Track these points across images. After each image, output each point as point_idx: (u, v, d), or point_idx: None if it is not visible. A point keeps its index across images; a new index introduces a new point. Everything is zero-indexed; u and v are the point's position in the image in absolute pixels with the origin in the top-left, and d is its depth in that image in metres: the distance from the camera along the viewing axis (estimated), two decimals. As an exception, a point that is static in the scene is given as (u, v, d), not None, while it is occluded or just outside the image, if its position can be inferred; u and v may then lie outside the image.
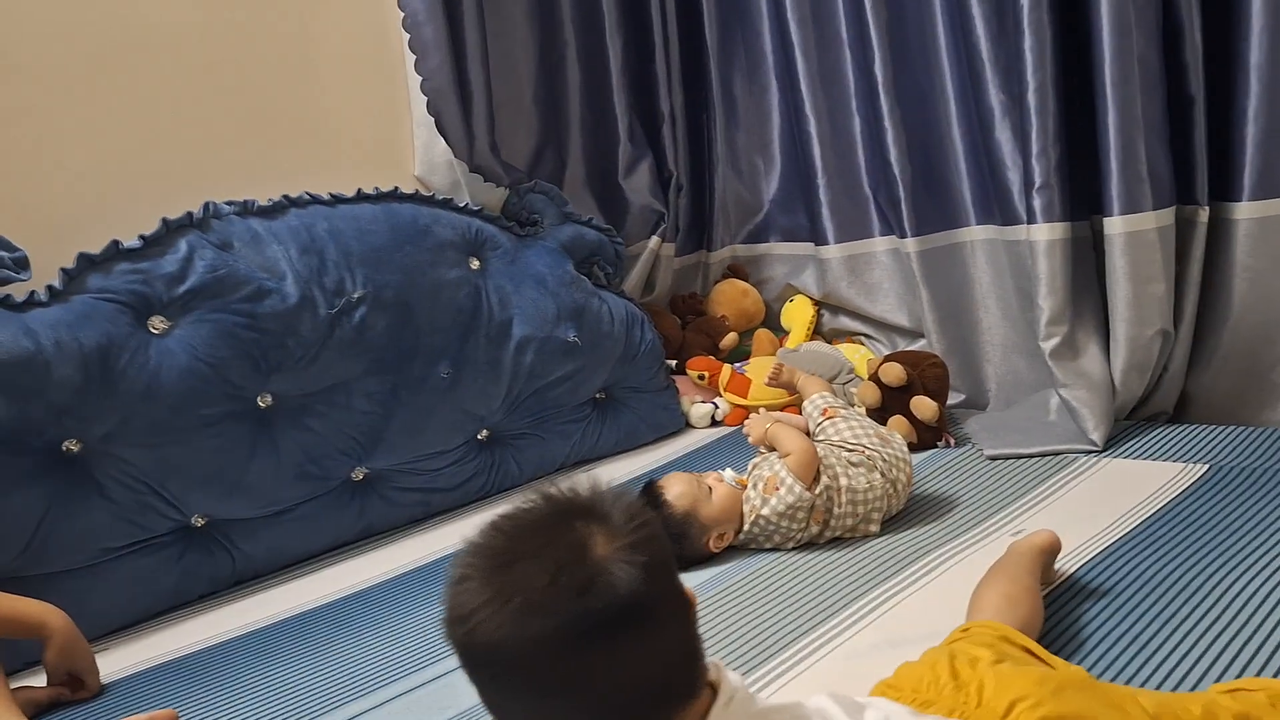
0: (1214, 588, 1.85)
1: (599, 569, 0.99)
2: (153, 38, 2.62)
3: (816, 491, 2.23)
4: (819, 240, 3.45)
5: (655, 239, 3.53)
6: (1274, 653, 1.63)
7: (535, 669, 0.99)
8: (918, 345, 3.23)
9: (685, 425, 3.29)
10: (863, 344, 3.44)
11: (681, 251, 3.68)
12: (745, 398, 3.23)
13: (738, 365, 3.34)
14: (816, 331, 3.57)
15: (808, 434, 2.45)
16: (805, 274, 3.59)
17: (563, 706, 1.01)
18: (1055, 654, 1.55)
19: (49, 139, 2.47)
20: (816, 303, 3.57)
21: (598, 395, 3.10)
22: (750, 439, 2.44)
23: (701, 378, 3.32)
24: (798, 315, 3.56)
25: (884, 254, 3.34)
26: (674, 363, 3.39)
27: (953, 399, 3.05)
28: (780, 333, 3.61)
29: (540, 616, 0.97)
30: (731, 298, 3.65)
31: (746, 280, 3.71)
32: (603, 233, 3.22)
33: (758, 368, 3.27)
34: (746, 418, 3.11)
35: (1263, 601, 1.77)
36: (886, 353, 3.20)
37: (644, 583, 0.99)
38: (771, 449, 2.35)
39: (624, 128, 3.47)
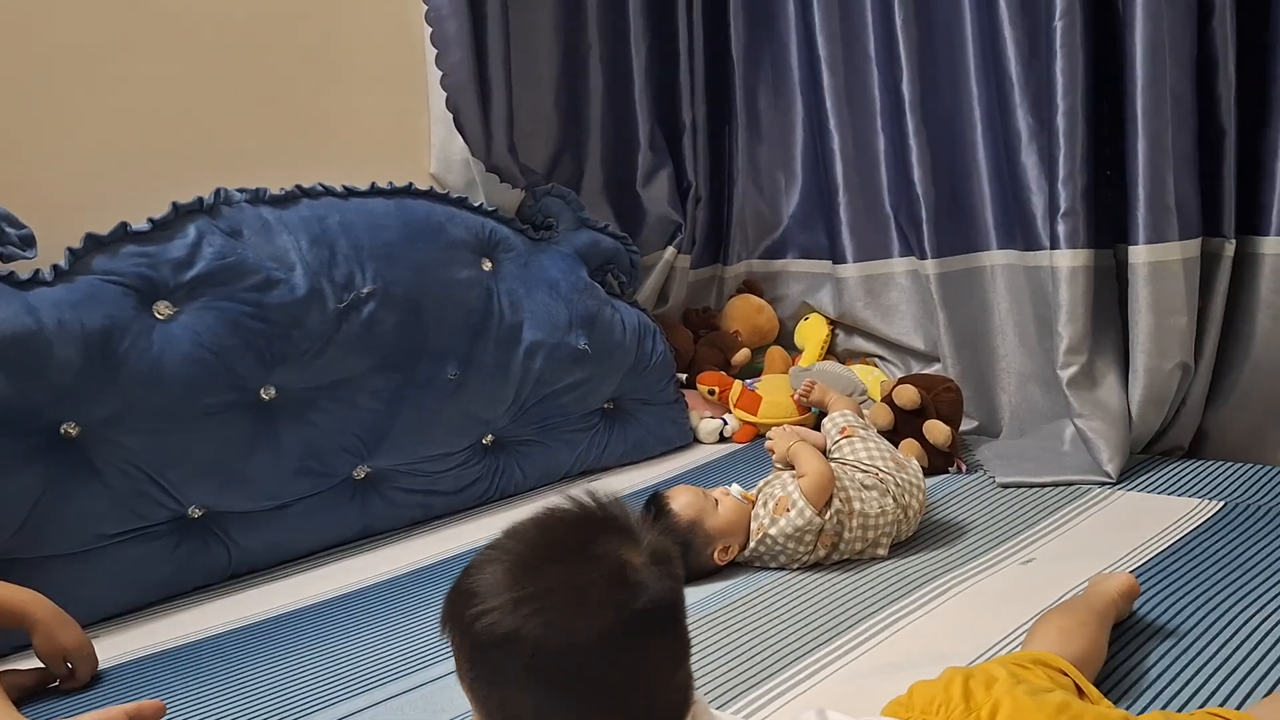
0: (1225, 626, 1.81)
1: (633, 574, 1.03)
2: (173, 20, 2.60)
3: (827, 516, 2.20)
4: (837, 259, 3.42)
5: (671, 250, 3.50)
6: (1289, 695, 1.59)
7: (566, 668, 1.01)
8: (933, 369, 3.20)
9: (693, 440, 3.26)
10: (876, 365, 3.41)
11: (697, 264, 3.66)
12: (755, 415, 3.19)
13: (749, 382, 3.31)
14: (830, 351, 3.54)
15: (824, 451, 2.42)
16: (821, 292, 3.57)
17: (575, 708, 1.02)
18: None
19: (62, 118, 2.44)
20: (832, 322, 3.54)
21: (606, 405, 3.07)
22: (774, 455, 2.40)
23: (712, 393, 3.29)
24: (812, 334, 3.54)
25: (902, 275, 3.31)
26: (684, 376, 3.36)
27: (966, 425, 3.01)
28: (794, 351, 3.58)
29: (586, 616, 1.00)
30: (745, 313, 3.62)
31: (761, 296, 3.68)
32: (619, 240, 3.19)
33: (769, 385, 3.24)
34: (756, 435, 3.09)
35: (1276, 643, 1.74)
36: (900, 375, 3.17)
37: (673, 593, 1.06)
38: (791, 466, 2.31)
39: (644, 136, 3.44)
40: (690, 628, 1.95)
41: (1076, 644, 1.61)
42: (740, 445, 3.18)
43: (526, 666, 1.00)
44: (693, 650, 1.82)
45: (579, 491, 1.09)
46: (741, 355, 3.48)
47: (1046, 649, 1.57)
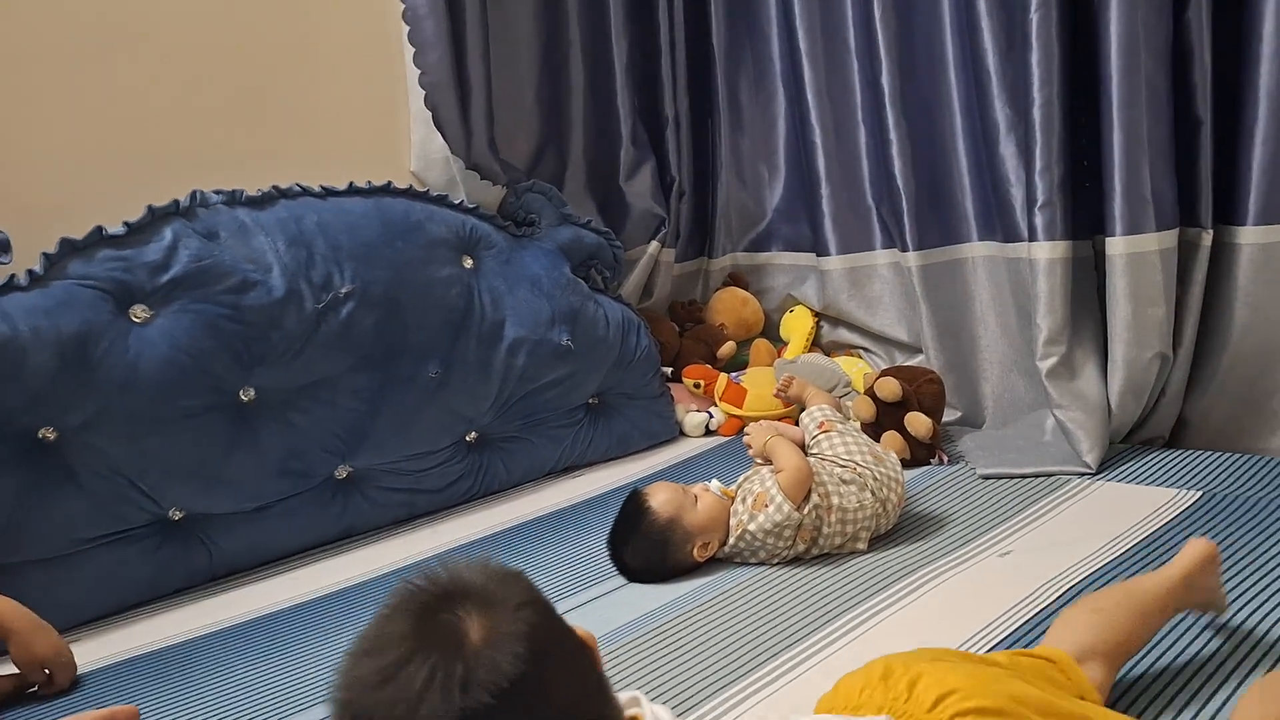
0: (1202, 615, 1.81)
1: (477, 660, 0.94)
2: (147, 21, 2.60)
3: (805, 510, 2.20)
4: (821, 251, 3.42)
5: (655, 244, 3.50)
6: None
7: None
8: (916, 361, 3.20)
9: (679, 434, 3.26)
10: (860, 357, 3.41)
11: (681, 258, 3.65)
12: (741, 408, 3.20)
13: (734, 375, 3.31)
14: (815, 343, 3.54)
15: (803, 446, 2.42)
16: (806, 285, 3.57)
17: None
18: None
19: (35, 121, 2.44)
20: (816, 314, 3.54)
21: (590, 400, 3.07)
22: (750, 449, 2.41)
23: (697, 386, 3.29)
24: (797, 326, 3.54)
25: (885, 267, 3.32)
26: (670, 370, 3.36)
27: (949, 416, 3.01)
28: (779, 343, 3.58)
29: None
30: (731, 306, 3.62)
31: (746, 289, 3.68)
32: (602, 236, 3.19)
33: (755, 378, 3.25)
34: (742, 427, 3.09)
35: (1253, 631, 1.74)
36: (884, 367, 3.18)
37: (528, 657, 0.95)
38: (769, 461, 2.32)
39: (627, 130, 3.43)
40: (670, 624, 1.98)
41: (1092, 633, 1.58)
42: (726, 439, 3.18)
43: None
44: (674, 645, 1.82)
45: (407, 582, 1.02)
46: (727, 348, 3.47)
47: (1056, 641, 1.56)
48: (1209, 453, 2.64)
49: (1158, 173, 2.59)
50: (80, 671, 1.97)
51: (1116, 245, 2.60)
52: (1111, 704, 1.57)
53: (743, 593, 2.10)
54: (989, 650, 1.75)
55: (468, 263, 2.83)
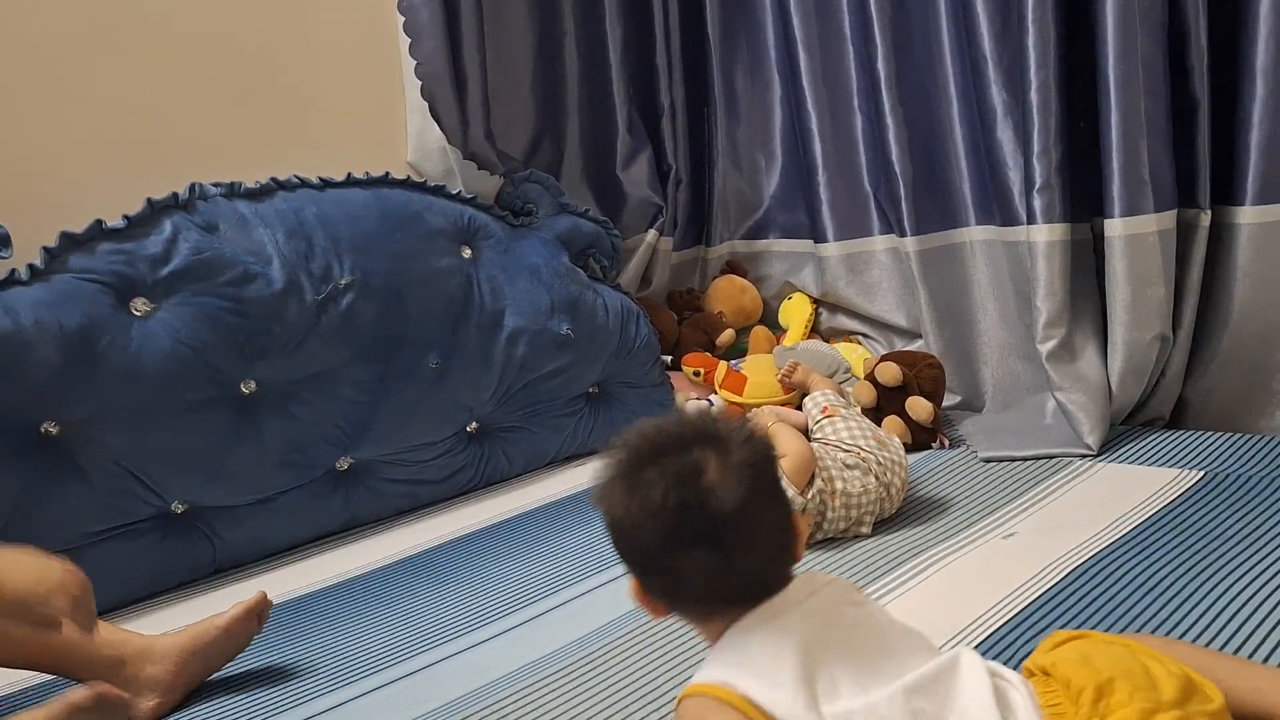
0: (1205, 595, 1.81)
1: (709, 488, 1.21)
2: (144, 14, 2.60)
3: (809, 495, 2.20)
4: (818, 238, 3.42)
5: (653, 233, 3.50)
6: (1265, 660, 1.60)
7: (656, 557, 1.26)
8: (915, 345, 3.20)
9: (679, 422, 3.25)
10: (860, 343, 3.41)
11: (679, 246, 3.65)
12: (741, 395, 3.19)
13: (734, 362, 3.31)
14: (814, 330, 3.54)
15: (806, 431, 2.42)
16: (804, 272, 3.57)
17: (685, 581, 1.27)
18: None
19: (33, 115, 2.44)
20: (815, 301, 3.55)
21: (591, 390, 3.07)
22: None
23: (697, 374, 3.29)
24: (796, 313, 3.54)
25: (883, 253, 3.32)
26: (669, 359, 3.36)
27: (949, 400, 3.02)
28: (778, 330, 3.58)
29: (655, 521, 1.22)
30: (729, 294, 3.62)
31: (745, 277, 3.68)
32: (599, 225, 3.19)
33: (754, 365, 3.24)
34: (742, 415, 3.09)
35: (1254, 611, 1.74)
36: (883, 352, 3.18)
37: (745, 499, 1.22)
38: (771, 448, 2.32)
39: (623, 119, 3.44)
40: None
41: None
42: (726, 426, 3.17)
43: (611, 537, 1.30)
44: (684, 628, 1.82)
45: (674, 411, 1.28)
46: (726, 336, 3.48)
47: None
48: (1210, 433, 2.64)
49: (1156, 154, 2.58)
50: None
51: (1115, 227, 2.60)
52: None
53: (747, 578, 2.10)
54: (997, 629, 1.75)
55: (466, 253, 2.83)
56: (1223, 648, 1.65)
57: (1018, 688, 1.26)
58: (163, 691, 1.78)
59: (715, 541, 1.22)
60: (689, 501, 1.21)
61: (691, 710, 1.25)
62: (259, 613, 1.88)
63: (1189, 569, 1.92)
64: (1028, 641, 1.68)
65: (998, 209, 2.95)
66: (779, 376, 2.94)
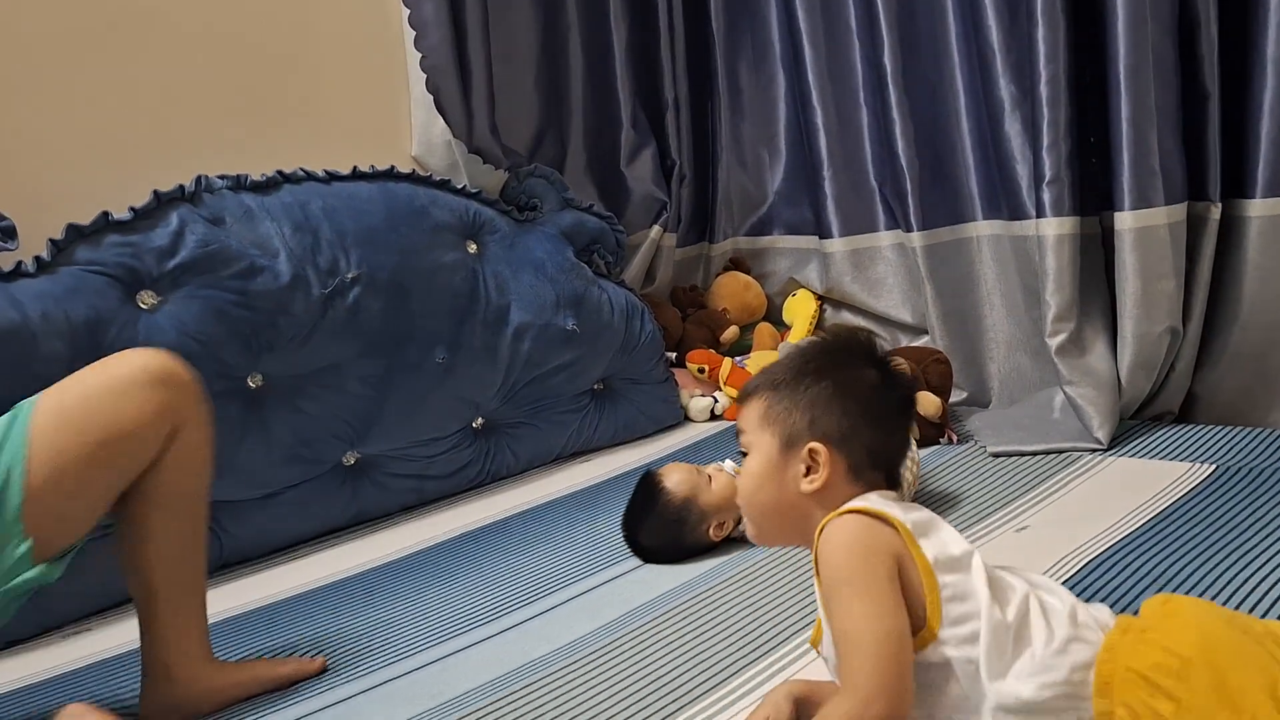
0: (1220, 589, 1.80)
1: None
2: (149, 7, 2.58)
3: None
4: (823, 234, 3.42)
5: (657, 229, 3.48)
6: None
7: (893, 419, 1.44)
8: (921, 341, 3.19)
9: (684, 418, 3.25)
10: (865, 339, 3.39)
11: (683, 242, 3.64)
12: (745, 391, 3.18)
13: (738, 359, 3.30)
14: (819, 326, 3.53)
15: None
16: (809, 268, 3.56)
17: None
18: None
19: (40, 108, 2.42)
20: (819, 297, 3.53)
21: (596, 386, 3.06)
22: None
23: (701, 371, 3.28)
24: (800, 310, 3.53)
25: (889, 248, 3.31)
26: (674, 355, 3.35)
27: (956, 396, 3.01)
28: (782, 327, 3.57)
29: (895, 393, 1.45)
30: (733, 290, 3.61)
31: (749, 273, 3.67)
32: (604, 220, 3.18)
33: (759, 362, 3.23)
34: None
35: (1273, 605, 1.73)
36: (889, 348, 3.16)
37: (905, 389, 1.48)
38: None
39: (627, 114, 3.42)
40: (688, 604, 1.97)
41: None
42: (731, 423, 3.16)
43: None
44: (693, 625, 1.81)
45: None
46: (730, 333, 3.47)
47: None
48: (1221, 427, 2.63)
49: (1166, 146, 2.57)
50: (90, 662, 1.97)
51: (1125, 220, 2.59)
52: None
53: (760, 571, 2.09)
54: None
55: (472, 248, 2.82)
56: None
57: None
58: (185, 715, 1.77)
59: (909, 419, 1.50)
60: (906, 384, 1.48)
61: (843, 528, 1.31)
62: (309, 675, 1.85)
63: (1203, 562, 1.91)
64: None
65: (1005, 203, 2.94)
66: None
